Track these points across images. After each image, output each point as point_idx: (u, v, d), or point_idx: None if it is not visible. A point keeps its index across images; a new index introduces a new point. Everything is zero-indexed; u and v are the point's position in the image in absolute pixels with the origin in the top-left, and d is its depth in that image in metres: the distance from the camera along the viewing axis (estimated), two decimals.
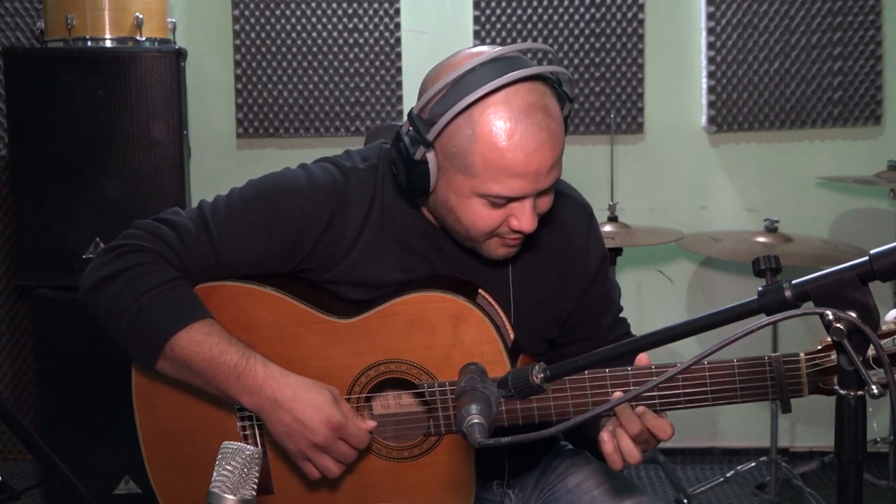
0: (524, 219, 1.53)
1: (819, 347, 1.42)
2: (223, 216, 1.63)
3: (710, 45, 3.46)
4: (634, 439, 1.44)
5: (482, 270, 1.68)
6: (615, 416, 1.45)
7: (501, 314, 1.63)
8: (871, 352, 1.05)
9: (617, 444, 1.44)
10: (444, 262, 1.67)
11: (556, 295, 1.73)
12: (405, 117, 1.58)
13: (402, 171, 1.55)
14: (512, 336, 1.63)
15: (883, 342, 1.26)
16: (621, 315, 1.84)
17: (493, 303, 1.63)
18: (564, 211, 1.73)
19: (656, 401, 1.46)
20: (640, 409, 1.44)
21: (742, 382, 1.44)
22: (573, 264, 1.73)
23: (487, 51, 1.50)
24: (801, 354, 1.42)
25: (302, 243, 1.63)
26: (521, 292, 1.69)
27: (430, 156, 1.52)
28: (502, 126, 1.46)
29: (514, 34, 3.49)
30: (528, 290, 1.70)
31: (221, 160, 3.59)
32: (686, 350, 3.12)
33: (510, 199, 1.52)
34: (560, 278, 1.73)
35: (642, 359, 1.48)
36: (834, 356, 1.39)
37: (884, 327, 1.31)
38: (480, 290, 1.64)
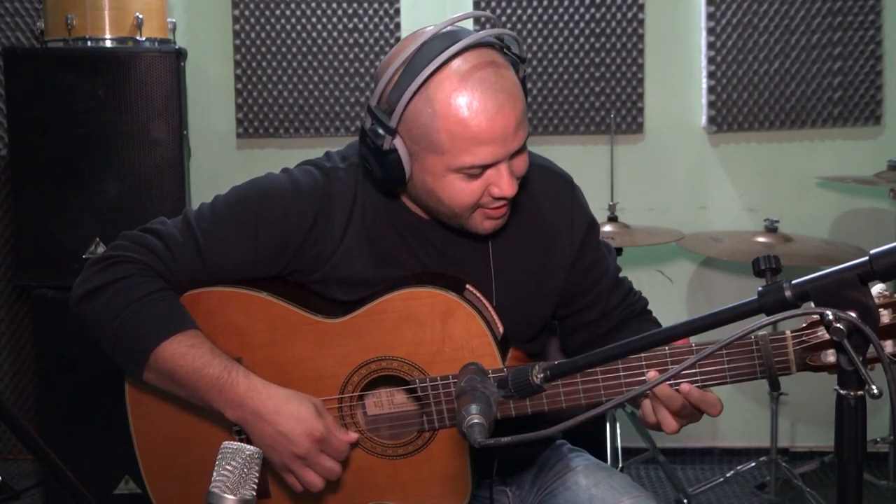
0: (503, 184, 1.54)
1: (804, 325, 1.42)
2: (208, 222, 1.64)
3: (710, 45, 3.46)
4: (677, 414, 1.47)
5: (466, 256, 1.68)
6: (653, 395, 1.47)
7: (490, 308, 1.64)
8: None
9: (657, 418, 1.48)
10: (427, 251, 1.68)
11: (542, 272, 1.72)
12: None
13: (376, 166, 1.56)
14: (501, 329, 1.63)
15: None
16: (621, 275, 1.83)
17: (482, 297, 1.64)
18: (541, 185, 1.73)
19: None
20: (686, 387, 1.45)
21: (730, 363, 1.45)
22: (557, 237, 1.73)
23: (430, 29, 1.52)
24: (788, 332, 1.43)
25: (288, 243, 1.63)
26: (504, 275, 1.69)
27: (398, 142, 1.52)
28: (460, 97, 1.47)
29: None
30: (511, 272, 1.70)
31: (221, 160, 3.59)
32: None
33: (485, 168, 1.53)
34: (544, 255, 1.73)
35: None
36: (820, 332, 1.40)
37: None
38: (468, 286, 1.64)
